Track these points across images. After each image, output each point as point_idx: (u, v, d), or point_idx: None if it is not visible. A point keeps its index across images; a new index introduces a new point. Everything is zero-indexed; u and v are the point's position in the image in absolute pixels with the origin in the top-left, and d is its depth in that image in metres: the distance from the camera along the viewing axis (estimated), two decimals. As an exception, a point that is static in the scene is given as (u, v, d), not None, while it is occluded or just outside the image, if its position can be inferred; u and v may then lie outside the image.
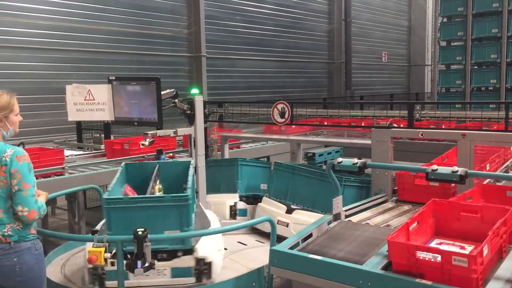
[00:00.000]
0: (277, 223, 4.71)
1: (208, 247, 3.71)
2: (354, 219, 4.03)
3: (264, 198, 5.60)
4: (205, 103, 5.77)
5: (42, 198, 3.13)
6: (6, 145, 3.02)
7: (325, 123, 7.05)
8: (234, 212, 5.49)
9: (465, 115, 5.39)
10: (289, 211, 5.15)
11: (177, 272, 3.61)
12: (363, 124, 6.87)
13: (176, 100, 5.09)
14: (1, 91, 3.09)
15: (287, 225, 4.92)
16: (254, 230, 5.31)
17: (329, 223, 3.80)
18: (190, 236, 3.58)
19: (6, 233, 2.95)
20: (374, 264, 2.91)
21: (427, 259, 2.67)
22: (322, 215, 4.83)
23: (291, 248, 3.29)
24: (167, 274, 3.62)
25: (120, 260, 3.33)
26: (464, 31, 12.77)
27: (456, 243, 3.15)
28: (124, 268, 3.31)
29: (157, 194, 4.01)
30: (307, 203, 5.21)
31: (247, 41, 13.90)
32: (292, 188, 5.40)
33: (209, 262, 3.63)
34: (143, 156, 6.09)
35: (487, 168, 4.82)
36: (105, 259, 3.22)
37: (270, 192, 5.63)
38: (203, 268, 3.62)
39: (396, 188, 4.65)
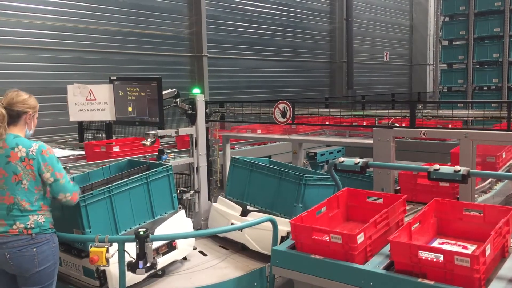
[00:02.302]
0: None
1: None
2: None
3: (220, 197, 5.19)
4: (206, 102, 5.76)
5: None
6: (30, 141, 3.16)
7: (327, 123, 7.02)
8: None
9: (467, 115, 5.35)
10: (244, 213, 4.75)
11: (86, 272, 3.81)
12: (365, 124, 6.85)
13: (178, 100, 5.09)
14: (22, 92, 3.23)
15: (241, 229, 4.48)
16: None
17: (331, 222, 3.79)
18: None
19: (29, 226, 3.06)
20: (376, 263, 2.91)
21: (429, 258, 2.67)
22: (280, 218, 4.44)
23: (293, 247, 3.28)
24: (81, 271, 3.85)
25: (122, 260, 3.33)
26: (466, 30, 12.74)
27: (459, 243, 3.14)
28: (126, 268, 3.32)
29: None
30: (265, 204, 4.76)
31: (248, 40, 13.89)
32: (249, 187, 4.94)
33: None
34: (145, 156, 6.07)
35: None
36: (107, 259, 3.23)
37: (226, 191, 5.19)
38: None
39: (398, 187, 4.57)
